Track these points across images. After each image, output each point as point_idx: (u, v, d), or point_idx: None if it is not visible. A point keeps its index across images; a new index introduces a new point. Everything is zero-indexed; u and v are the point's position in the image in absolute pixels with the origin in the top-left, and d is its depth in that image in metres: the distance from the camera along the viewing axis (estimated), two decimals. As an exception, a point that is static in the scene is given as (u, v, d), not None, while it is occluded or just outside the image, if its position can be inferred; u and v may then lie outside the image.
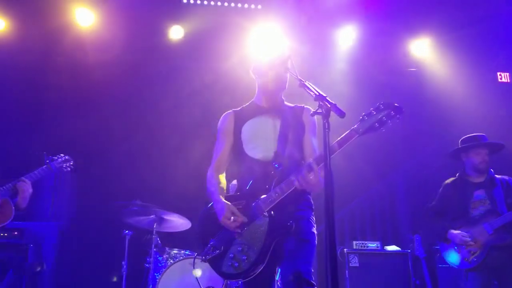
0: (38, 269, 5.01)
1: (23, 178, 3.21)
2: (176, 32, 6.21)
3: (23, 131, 5.92)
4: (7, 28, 5.77)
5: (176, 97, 6.33)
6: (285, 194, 2.49)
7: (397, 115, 2.32)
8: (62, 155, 3.59)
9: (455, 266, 4.03)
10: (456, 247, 4.03)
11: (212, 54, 6.20)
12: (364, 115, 2.40)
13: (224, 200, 2.62)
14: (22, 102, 5.98)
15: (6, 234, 4.61)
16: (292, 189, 2.48)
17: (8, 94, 5.86)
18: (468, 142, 4.26)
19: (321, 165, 2.37)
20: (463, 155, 4.31)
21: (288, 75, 2.73)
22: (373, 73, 6.38)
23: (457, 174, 4.38)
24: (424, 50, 6.53)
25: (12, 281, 4.60)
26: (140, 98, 6.34)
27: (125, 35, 6.01)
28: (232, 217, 2.52)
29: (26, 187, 3.14)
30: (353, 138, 2.39)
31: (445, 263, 4.26)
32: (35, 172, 3.30)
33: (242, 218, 2.53)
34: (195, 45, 6.26)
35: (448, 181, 4.39)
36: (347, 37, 6.28)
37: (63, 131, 5.95)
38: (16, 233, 4.73)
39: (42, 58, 6.00)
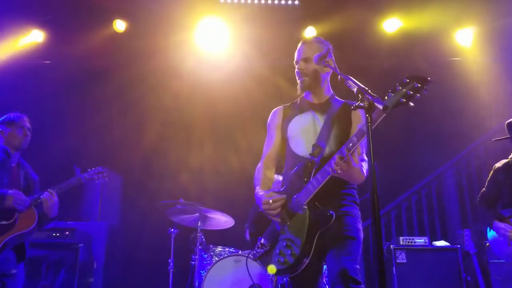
0: (90, 267, 5.18)
1: (49, 189, 3.36)
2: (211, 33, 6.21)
3: (64, 140, 6.11)
4: (45, 40, 5.97)
5: (217, 100, 6.38)
6: (321, 184, 2.47)
7: (424, 87, 2.23)
8: (96, 168, 3.69)
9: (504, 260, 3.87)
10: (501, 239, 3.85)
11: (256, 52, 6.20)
12: (389, 91, 2.32)
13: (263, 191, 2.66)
14: (64, 111, 6.18)
15: (58, 234, 4.80)
16: (327, 178, 2.46)
17: (49, 103, 6.07)
18: None
19: (352, 151, 2.35)
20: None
21: (326, 69, 2.70)
22: (416, 64, 6.21)
23: (510, 156, 4.08)
24: (467, 40, 6.25)
25: (65, 279, 4.78)
26: (180, 102, 6.43)
27: (160, 42, 6.10)
28: (270, 199, 2.52)
29: (49, 198, 3.25)
30: (381, 117, 2.30)
31: (497, 258, 4.08)
32: (64, 183, 3.43)
33: (281, 197, 2.54)
34: (237, 47, 6.28)
35: (498, 164, 4.12)
36: (390, 28, 6.11)
37: (107, 136, 6.14)
38: (67, 233, 4.91)
39: (79, 68, 6.17)
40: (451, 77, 6.21)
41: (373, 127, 2.27)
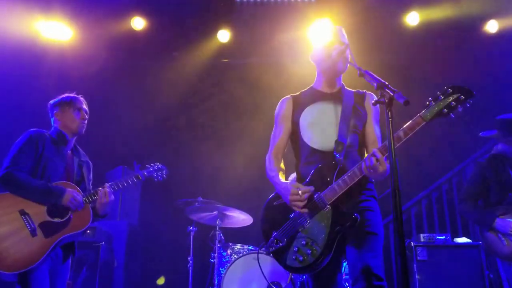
0: (110, 265, 5.24)
1: (106, 184, 3.13)
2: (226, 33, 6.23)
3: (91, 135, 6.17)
4: (74, 37, 6.03)
5: (237, 96, 6.39)
6: (348, 186, 2.42)
7: (467, 100, 2.18)
8: (155, 164, 3.46)
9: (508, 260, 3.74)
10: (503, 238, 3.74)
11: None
12: (430, 100, 2.27)
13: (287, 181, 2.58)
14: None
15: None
16: (355, 181, 2.41)
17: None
18: None
19: (386, 154, 2.29)
20: None
21: (344, 59, 2.64)
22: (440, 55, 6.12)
23: (495, 151, 3.97)
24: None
25: (87, 277, 4.84)
26: (200, 99, 6.45)
27: (176, 39, 6.12)
28: (300, 191, 2.45)
29: (104, 195, 3.04)
30: (420, 126, 2.27)
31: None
32: (122, 180, 3.19)
33: (309, 190, 2.46)
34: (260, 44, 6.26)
35: (483, 160, 4.01)
36: (411, 22, 6.03)
37: (126, 134, 6.20)
38: (88, 231, 4.96)
39: (106, 63, 6.23)
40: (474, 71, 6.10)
41: (410, 135, 2.24)
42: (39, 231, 2.81)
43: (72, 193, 2.94)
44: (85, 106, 3.27)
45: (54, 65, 5.77)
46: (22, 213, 2.82)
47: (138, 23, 5.90)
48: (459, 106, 2.17)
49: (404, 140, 2.30)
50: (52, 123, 3.26)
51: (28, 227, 2.80)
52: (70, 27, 5.80)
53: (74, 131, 3.18)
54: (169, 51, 6.29)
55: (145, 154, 5.79)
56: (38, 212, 2.86)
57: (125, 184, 3.21)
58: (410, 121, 2.30)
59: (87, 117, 3.26)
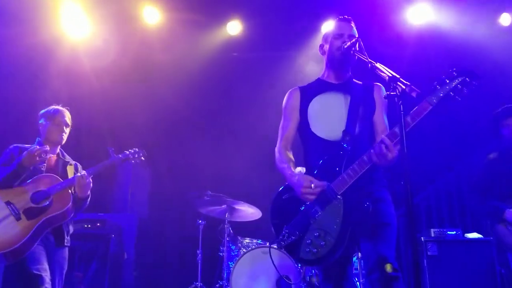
0: (120, 258, 5.28)
1: (81, 171, 3.43)
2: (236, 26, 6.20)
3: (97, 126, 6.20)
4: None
5: (245, 89, 6.37)
6: (358, 175, 2.40)
7: (473, 82, 2.15)
8: (133, 149, 3.67)
9: None
10: None
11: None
12: (436, 83, 2.23)
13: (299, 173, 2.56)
14: (101, 98, 6.25)
15: (89, 226, 4.91)
16: (365, 169, 2.39)
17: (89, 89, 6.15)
18: None
19: (395, 141, 2.27)
20: None
21: (353, 52, 2.58)
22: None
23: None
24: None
25: (97, 269, 4.88)
26: (210, 92, 6.44)
27: (188, 34, 6.12)
28: (312, 184, 2.42)
29: (81, 178, 3.30)
30: (427, 110, 2.24)
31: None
32: (99, 165, 3.44)
33: (322, 184, 2.44)
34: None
35: (492, 154, 4.00)
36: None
37: (136, 125, 6.21)
38: (98, 224, 5.01)
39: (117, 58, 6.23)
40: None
41: (417, 121, 2.21)
42: (22, 216, 3.15)
43: (28, 150, 3.20)
44: (66, 119, 3.55)
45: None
46: (8, 203, 3.18)
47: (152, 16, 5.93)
48: (465, 88, 2.14)
49: (412, 125, 2.27)
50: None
51: (13, 213, 3.15)
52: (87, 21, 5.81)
53: (53, 142, 3.50)
54: (181, 45, 6.27)
55: (155, 147, 5.80)
56: (22, 200, 3.21)
57: (102, 168, 3.45)
58: (417, 106, 2.27)
59: (65, 130, 3.55)
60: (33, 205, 3.19)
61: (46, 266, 3.17)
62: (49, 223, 3.20)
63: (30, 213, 3.15)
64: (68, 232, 3.43)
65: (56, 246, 3.33)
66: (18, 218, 3.13)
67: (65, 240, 3.38)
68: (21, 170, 3.21)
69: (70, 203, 3.26)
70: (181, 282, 5.16)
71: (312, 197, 2.44)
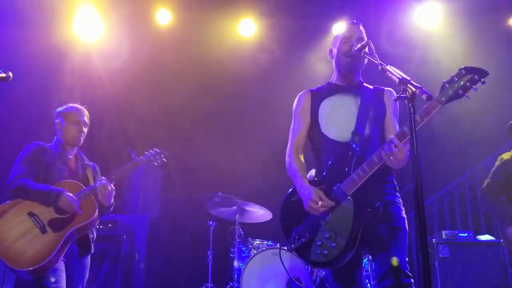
0: (132, 258, 5.32)
1: (104, 177, 3.19)
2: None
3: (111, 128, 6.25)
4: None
5: (257, 90, 6.39)
6: (368, 176, 2.39)
7: (481, 79, 2.15)
8: (153, 150, 3.50)
9: None
10: None
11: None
12: (444, 82, 2.24)
13: (310, 185, 2.53)
14: (114, 100, 6.31)
15: (101, 227, 4.93)
16: (375, 169, 2.38)
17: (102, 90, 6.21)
18: None
19: (404, 140, 2.26)
20: None
21: (363, 55, 2.55)
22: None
23: None
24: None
25: (108, 270, 4.92)
26: (221, 93, 6.46)
27: (202, 34, 6.14)
28: (320, 202, 2.41)
29: (104, 186, 3.08)
30: (436, 109, 2.23)
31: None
32: (120, 169, 3.25)
33: (330, 203, 2.42)
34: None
35: (506, 156, 3.94)
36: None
37: (148, 126, 6.26)
38: (110, 225, 5.04)
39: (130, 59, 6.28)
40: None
41: (426, 119, 2.22)
42: (48, 228, 2.92)
43: (67, 198, 2.98)
44: (85, 118, 3.34)
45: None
46: (31, 214, 2.94)
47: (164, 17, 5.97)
48: (473, 86, 2.15)
49: (421, 124, 2.27)
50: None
51: (38, 225, 2.91)
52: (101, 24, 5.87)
53: (71, 143, 3.29)
54: (192, 46, 6.30)
55: (165, 147, 5.83)
56: (46, 211, 2.98)
57: (124, 173, 3.28)
58: (426, 105, 2.26)
59: (84, 129, 3.33)
60: (58, 215, 2.97)
61: (63, 284, 2.93)
62: (76, 235, 3.00)
63: (55, 225, 2.92)
64: (93, 238, 3.23)
65: (79, 257, 3.11)
66: (43, 231, 2.89)
67: (91, 248, 3.19)
68: (50, 200, 2.96)
69: (97, 212, 3.06)
70: (192, 283, 5.18)
71: (317, 213, 2.42)
